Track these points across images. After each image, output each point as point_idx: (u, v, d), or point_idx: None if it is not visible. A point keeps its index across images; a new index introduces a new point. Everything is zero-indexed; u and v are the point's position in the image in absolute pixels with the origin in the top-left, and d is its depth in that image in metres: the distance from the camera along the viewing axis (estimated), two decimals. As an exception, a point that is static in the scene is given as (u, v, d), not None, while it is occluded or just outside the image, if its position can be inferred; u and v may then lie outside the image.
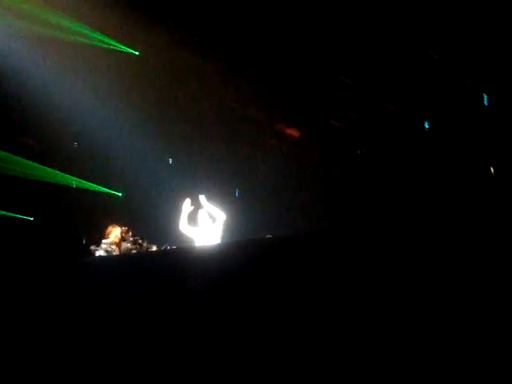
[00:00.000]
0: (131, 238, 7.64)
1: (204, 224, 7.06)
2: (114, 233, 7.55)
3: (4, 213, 10.45)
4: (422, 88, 8.80)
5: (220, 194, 8.44)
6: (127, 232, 7.67)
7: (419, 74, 8.72)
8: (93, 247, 7.46)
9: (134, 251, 7.51)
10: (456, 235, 2.43)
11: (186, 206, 7.11)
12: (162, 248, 7.55)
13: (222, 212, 7.07)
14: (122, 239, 7.56)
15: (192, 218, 7.12)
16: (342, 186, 9.75)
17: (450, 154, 8.91)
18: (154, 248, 7.61)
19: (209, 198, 7.17)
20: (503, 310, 2.06)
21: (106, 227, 7.65)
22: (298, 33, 8.81)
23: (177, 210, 7.40)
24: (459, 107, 8.72)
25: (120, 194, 10.95)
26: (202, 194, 7.17)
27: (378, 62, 8.90)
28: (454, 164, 8.75)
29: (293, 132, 10.42)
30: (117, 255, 7.17)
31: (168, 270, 3.27)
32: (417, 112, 9.16)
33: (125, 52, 9.61)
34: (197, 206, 7.13)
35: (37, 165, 10.75)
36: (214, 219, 7.03)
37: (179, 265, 3.19)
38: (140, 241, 7.65)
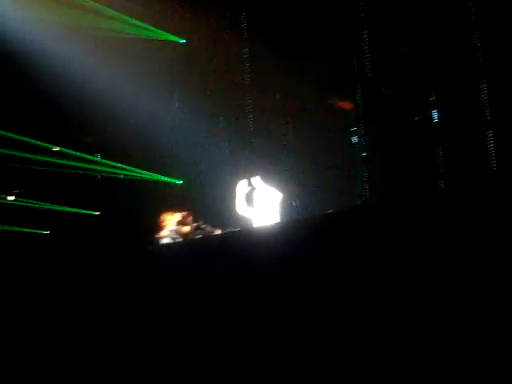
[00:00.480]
0: (194, 224, 7.77)
1: (260, 204, 7.07)
2: (178, 220, 7.70)
3: (71, 209, 10.83)
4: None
5: (276, 174, 8.47)
6: (189, 218, 7.80)
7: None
8: (159, 235, 7.63)
9: (197, 236, 7.64)
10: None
11: (242, 187, 7.16)
12: (226, 231, 7.64)
13: (278, 191, 7.08)
14: (186, 225, 7.69)
15: (249, 199, 7.15)
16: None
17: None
18: (218, 232, 7.71)
19: (265, 178, 7.19)
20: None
21: (169, 215, 7.80)
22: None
23: (235, 192, 7.47)
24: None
25: (179, 182, 11.14)
26: (257, 174, 7.20)
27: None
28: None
29: (347, 105, 10.30)
30: (182, 241, 7.33)
31: (232, 252, 3.35)
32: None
33: (173, 42, 9.71)
34: (253, 186, 7.17)
35: (98, 159, 11.05)
36: (270, 199, 7.04)
37: (242, 246, 3.26)
38: (203, 226, 7.77)
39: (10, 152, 10.06)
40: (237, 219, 7.70)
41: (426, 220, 2.58)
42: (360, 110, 9.84)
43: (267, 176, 7.49)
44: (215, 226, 7.92)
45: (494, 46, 8.26)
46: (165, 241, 7.46)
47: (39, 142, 10.52)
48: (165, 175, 11.01)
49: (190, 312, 3.24)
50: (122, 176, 11.02)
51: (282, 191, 7.33)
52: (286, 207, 7.57)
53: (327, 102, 10.47)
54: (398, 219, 2.77)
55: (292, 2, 8.74)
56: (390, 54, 9.39)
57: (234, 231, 7.06)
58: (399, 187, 9.27)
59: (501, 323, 2.06)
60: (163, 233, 7.64)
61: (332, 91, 10.22)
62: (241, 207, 7.12)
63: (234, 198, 7.40)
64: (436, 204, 2.57)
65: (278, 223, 6.37)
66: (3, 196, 10.81)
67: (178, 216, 7.80)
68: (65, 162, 10.83)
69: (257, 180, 7.20)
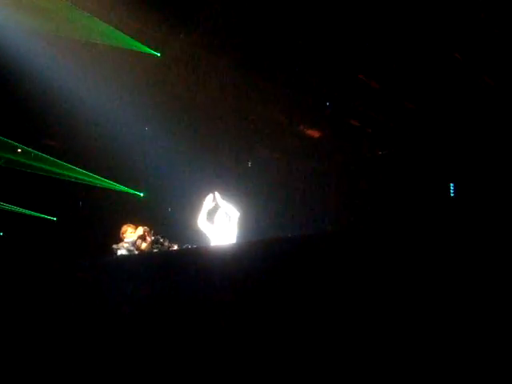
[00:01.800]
0: (153, 238, 7.69)
1: (220, 222, 7.13)
2: (136, 232, 7.62)
3: (28, 212, 10.63)
4: (443, 88, 8.75)
5: (237, 193, 8.50)
6: (149, 231, 7.72)
7: (440, 74, 8.67)
8: (115, 246, 7.53)
9: (155, 250, 7.57)
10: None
11: (207, 202, 7.17)
12: (183, 247, 7.60)
13: (235, 210, 7.14)
14: (144, 238, 7.61)
15: (210, 216, 7.19)
16: (363, 187, 9.72)
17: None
18: (176, 247, 7.66)
19: (225, 196, 7.23)
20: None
21: (128, 226, 7.71)
22: (317, 33, 8.81)
23: (197, 208, 7.46)
24: (479, 107, 8.65)
25: (142, 194, 11.08)
26: (217, 191, 7.22)
27: (398, 62, 8.87)
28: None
29: (312, 132, 10.42)
30: (137, 254, 7.25)
31: (185, 269, 3.33)
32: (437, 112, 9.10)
33: (147, 54, 9.70)
34: (216, 203, 7.20)
35: (62, 163, 10.90)
36: (229, 217, 7.10)
37: (196, 264, 3.25)
38: (161, 240, 7.70)
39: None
40: (196, 235, 7.69)
41: (375, 252, 2.60)
42: (326, 139, 9.96)
43: (230, 194, 7.52)
44: (173, 241, 7.87)
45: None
46: (120, 252, 7.37)
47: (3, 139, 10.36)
48: (128, 186, 10.95)
49: (136, 327, 3.19)
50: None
51: (243, 211, 7.37)
52: (245, 227, 7.61)
53: (295, 129, 10.58)
54: (353, 250, 2.79)
55: (267, 28, 8.85)
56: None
57: (189, 249, 7.05)
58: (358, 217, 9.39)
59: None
60: (120, 244, 7.55)
61: (301, 118, 10.34)
62: (202, 222, 7.16)
63: (195, 214, 7.39)
64: (385, 237, 2.60)
65: (234, 244, 6.39)
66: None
67: (137, 228, 7.72)
68: (26, 162, 10.67)
69: (220, 198, 7.22)
